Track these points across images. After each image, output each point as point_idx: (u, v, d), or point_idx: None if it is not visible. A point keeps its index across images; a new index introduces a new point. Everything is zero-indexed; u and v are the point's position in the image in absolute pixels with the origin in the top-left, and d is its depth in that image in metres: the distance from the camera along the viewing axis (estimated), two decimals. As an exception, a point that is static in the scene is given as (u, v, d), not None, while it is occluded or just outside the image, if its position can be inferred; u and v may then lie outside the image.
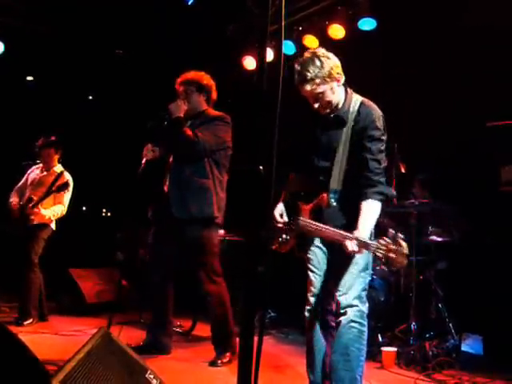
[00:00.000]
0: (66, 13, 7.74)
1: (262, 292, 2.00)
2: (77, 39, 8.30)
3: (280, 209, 3.88)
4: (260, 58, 2.01)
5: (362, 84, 3.85)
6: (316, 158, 3.80)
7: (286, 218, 3.85)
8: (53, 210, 6.57)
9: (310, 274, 3.84)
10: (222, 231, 6.56)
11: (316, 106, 3.65)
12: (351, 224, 3.46)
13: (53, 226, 6.70)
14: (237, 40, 7.80)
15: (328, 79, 3.56)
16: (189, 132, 4.85)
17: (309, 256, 3.85)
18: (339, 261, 3.63)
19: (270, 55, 7.55)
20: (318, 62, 3.54)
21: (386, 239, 3.13)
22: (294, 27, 7.37)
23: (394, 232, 3.15)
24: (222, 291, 5.03)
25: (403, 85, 6.19)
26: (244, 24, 7.73)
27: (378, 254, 3.16)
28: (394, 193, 3.57)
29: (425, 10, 6.15)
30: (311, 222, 3.63)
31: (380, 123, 3.62)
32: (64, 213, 6.71)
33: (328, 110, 3.70)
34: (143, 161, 5.16)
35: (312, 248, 3.83)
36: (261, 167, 1.91)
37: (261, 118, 1.92)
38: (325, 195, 3.66)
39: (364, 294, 3.66)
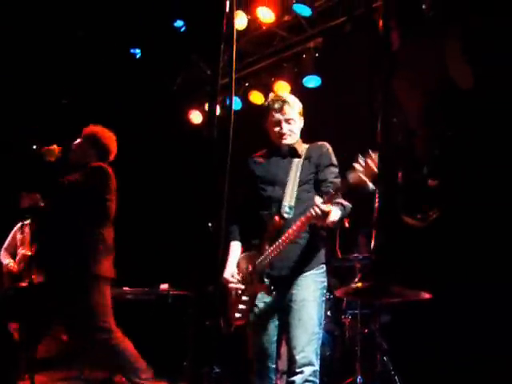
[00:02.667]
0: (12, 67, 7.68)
1: (210, 348, 1.97)
2: (20, 92, 8.22)
3: (230, 270, 3.85)
4: (210, 110, 2.03)
5: (306, 141, 4.04)
6: (268, 188, 3.85)
7: (237, 277, 3.82)
8: None
9: (257, 333, 3.80)
10: (165, 285, 6.47)
11: (282, 130, 3.88)
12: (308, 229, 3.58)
13: None
14: (183, 94, 7.88)
15: (298, 112, 3.96)
16: (61, 179, 4.73)
17: (255, 316, 3.81)
18: (294, 319, 3.61)
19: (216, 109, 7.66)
20: (294, 98, 4.00)
21: (357, 164, 3.22)
22: (240, 83, 7.51)
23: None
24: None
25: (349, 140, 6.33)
26: (190, 78, 7.84)
27: (360, 176, 3.20)
28: (350, 205, 3.65)
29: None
30: (267, 250, 3.66)
31: (332, 153, 3.85)
32: None
33: (286, 140, 3.89)
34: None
35: (259, 308, 3.79)
36: (209, 223, 1.90)
37: (210, 172, 1.93)
38: (276, 217, 3.69)
39: (319, 351, 3.65)
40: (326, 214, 3.36)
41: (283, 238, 3.57)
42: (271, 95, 4.11)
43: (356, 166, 3.22)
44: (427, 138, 1.48)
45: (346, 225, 5.80)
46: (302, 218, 3.47)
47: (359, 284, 5.17)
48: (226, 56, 2.14)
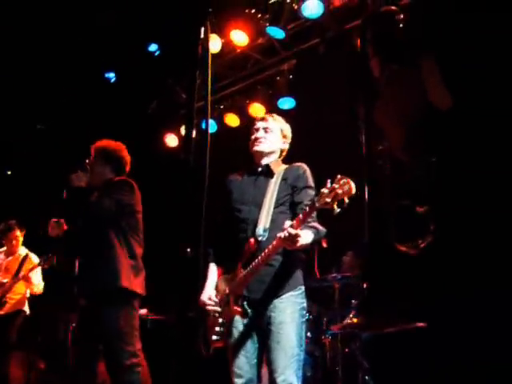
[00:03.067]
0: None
1: (191, 370, 1.95)
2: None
3: (207, 293, 3.83)
4: (187, 134, 2.03)
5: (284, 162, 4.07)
6: (243, 209, 3.85)
7: (215, 299, 3.80)
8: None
9: (237, 356, 3.77)
10: (144, 310, 6.41)
11: (257, 134, 3.94)
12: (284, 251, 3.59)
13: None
14: (158, 117, 7.89)
15: (280, 129, 4.01)
16: (90, 202, 4.67)
17: (235, 338, 3.78)
18: (273, 341, 3.59)
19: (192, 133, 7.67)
20: (281, 119, 4.08)
21: (324, 189, 3.23)
22: (215, 106, 7.54)
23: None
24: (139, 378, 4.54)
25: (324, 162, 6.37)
26: (165, 102, 7.86)
27: (327, 200, 3.21)
28: (325, 230, 3.67)
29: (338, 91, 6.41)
30: (242, 273, 3.65)
31: (309, 175, 3.85)
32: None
33: (259, 147, 3.93)
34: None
35: (239, 330, 3.77)
36: (188, 249, 1.89)
37: (188, 196, 1.93)
38: (251, 240, 3.68)
39: (300, 372, 3.60)
40: (294, 237, 3.36)
41: (256, 261, 3.57)
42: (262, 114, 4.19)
43: (323, 190, 3.27)
44: (411, 165, 1.50)
45: (324, 245, 5.82)
46: (274, 242, 3.48)
47: (354, 320, 5.22)
48: (201, 79, 2.15)
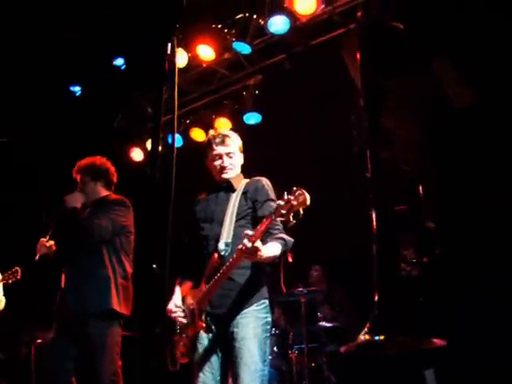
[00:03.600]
0: None
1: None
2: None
3: (174, 302, 3.82)
4: (153, 148, 2.02)
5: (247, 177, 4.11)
6: (206, 226, 3.87)
7: (182, 307, 3.81)
8: None
9: (202, 372, 3.73)
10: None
11: (223, 163, 3.95)
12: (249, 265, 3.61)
13: None
14: (124, 131, 7.84)
15: (239, 148, 4.05)
16: (85, 221, 4.66)
17: (200, 354, 3.75)
18: (236, 357, 3.57)
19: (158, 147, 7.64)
20: (234, 134, 4.10)
21: (280, 201, 3.27)
22: (181, 120, 7.53)
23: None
24: None
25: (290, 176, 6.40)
26: (131, 115, 7.82)
27: (282, 212, 3.25)
28: (292, 240, 3.70)
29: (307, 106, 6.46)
30: (205, 288, 3.64)
31: (269, 188, 3.90)
32: None
33: (227, 174, 3.94)
34: (37, 256, 4.83)
35: (204, 345, 3.74)
36: (154, 265, 1.88)
37: (153, 212, 1.91)
38: (215, 255, 3.69)
39: None
40: (252, 250, 3.37)
41: (218, 275, 3.57)
42: (212, 131, 4.17)
43: (279, 202, 3.30)
44: (429, 182, 1.51)
45: (290, 260, 5.82)
46: (233, 256, 3.49)
47: (367, 336, 5.20)
48: (167, 94, 2.14)
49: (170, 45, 2.09)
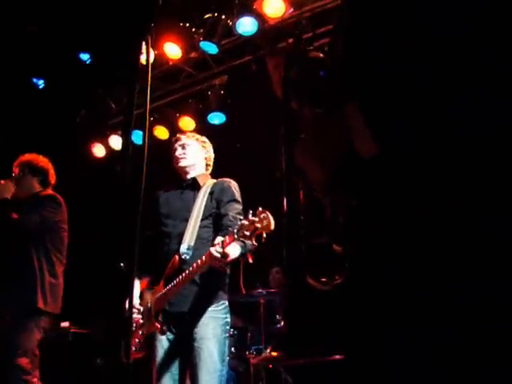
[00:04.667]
0: None
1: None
2: None
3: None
4: (124, 145, 2.01)
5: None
6: (169, 223, 3.86)
7: (138, 306, 3.79)
8: None
9: (160, 372, 3.71)
10: (66, 323, 6.26)
11: (176, 153, 4.01)
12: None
13: None
14: (86, 127, 7.76)
15: (196, 141, 4.09)
16: (13, 215, 4.56)
17: (159, 353, 3.74)
18: (195, 357, 3.58)
19: (119, 144, 7.59)
20: (198, 136, 4.17)
21: (245, 220, 3.30)
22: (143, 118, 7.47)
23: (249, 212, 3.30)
24: None
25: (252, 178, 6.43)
26: (94, 111, 7.75)
27: (246, 234, 3.26)
28: (251, 243, 3.71)
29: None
30: (164, 289, 3.64)
31: (235, 190, 3.93)
32: None
33: (182, 163, 3.98)
34: None
35: (163, 345, 3.73)
36: (121, 264, 1.86)
37: (123, 210, 1.90)
38: (176, 257, 3.69)
39: None
40: (224, 256, 3.39)
41: (180, 278, 3.58)
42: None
43: (243, 221, 3.33)
44: (331, 205, 1.53)
45: (250, 260, 5.84)
46: (199, 262, 3.49)
47: (273, 353, 5.26)
48: (136, 91, 2.13)
49: (144, 43, 2.08)
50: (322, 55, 1.91)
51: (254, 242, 3.33)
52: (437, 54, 1.35)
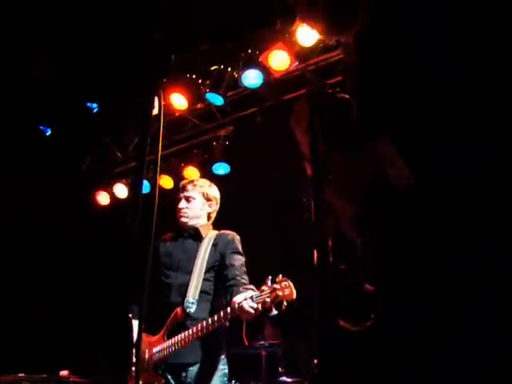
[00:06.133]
0: None
1: None
2: None
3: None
4: (134, 194, 2.02)
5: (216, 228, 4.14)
6: (171, 274, 3.83)
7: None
8: None
9: None
10: (65, 372, 6.17)
11: (179, 205, 3.98)
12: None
13: None
14: (91, 175, 7.80)
15: (202, 194, 4.04)
16: None
17: None
18: None
19: (123, 192, 7.63)
20: (207, 182, 4.14)
21: (265, 286, 3.18)
22: (151, 167, 7.51)
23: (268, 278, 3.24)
24: None
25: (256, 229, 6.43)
26: (99, 159, 7.81)
27: (266, 300, 3.21)
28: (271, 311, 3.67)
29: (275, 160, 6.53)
30: (166, 342, 3.59)
31: (238, 242, 3.92)
32: None
33: (184, 218, 3.95)
34: None
35: None
36: (130, 315, 1.86)
37: (131, 259, 1.90)
38: (179, 309, 3.64)
39: None
40: (256, 310, 3.36)
41: (187, 333, 3.53)
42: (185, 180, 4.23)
43: (264, 287, 3.30)
44: (362, 243, 1.54)
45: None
46: (215, 317, 3.45)
47: None
48: (139, 139, 2.16)
49: (156, 97, 2.12)
50: (348, 96, 1.94)
51: (275, 311, 3.28)
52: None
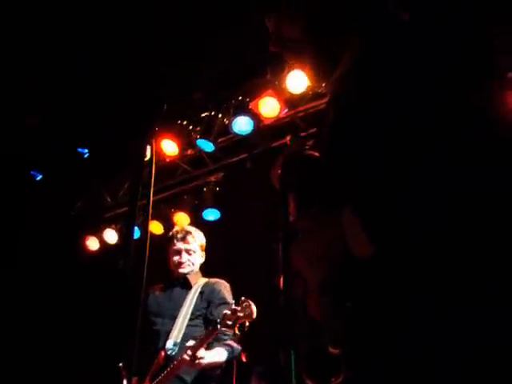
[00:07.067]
0: None
1: None
2: None
3: None
4: (126, 240, 2.03)
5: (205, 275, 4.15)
6: (157, 321, 3.84)
7: None
8: None
9: None
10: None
11: (181, 259, 4.03)
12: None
13: None
14: (81, 220, 7.78)
15: (200, 246, 4.12)
16: None
17: None
18: None
19: (113, 237, 7.60)
20: (199, 231, 4.20)
21: (227, 310, 3.35)
22: (140, 212, 7.50)
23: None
24: None
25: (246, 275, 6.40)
26: (89, 204, 7.80)
27: (228, 323, 3.31)
28: (240, 348, 3.67)
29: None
30: None
31: (227, 291, 3.93)
32: None
33: (184, 269, 3.99)
34: None
35: None
36: (120, 364, 1.85)
37: (122, 306, 1.88)
38: (162, 353, 3.64)
39: None
40: (192, 362, 3.38)
41: (164, 374, 3.55)
42: (177, 227, 4.22)
43: (225, 311, 3.35)
44: (327, 308, 1.55)
45: (244, 359, 5.74)
46: (175, 362, 3.49)
47: None
48: (129, 185, 2.18)
49: (148, 146, 2.14)
50: (317, 154, 1.96)
51: (237, 331, 3.33)
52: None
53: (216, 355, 3.53)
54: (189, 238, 4.06)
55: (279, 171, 1.92)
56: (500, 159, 1.33)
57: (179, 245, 4.05)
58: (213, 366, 3.57)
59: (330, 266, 1.48)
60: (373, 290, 1.42)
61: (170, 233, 4.25)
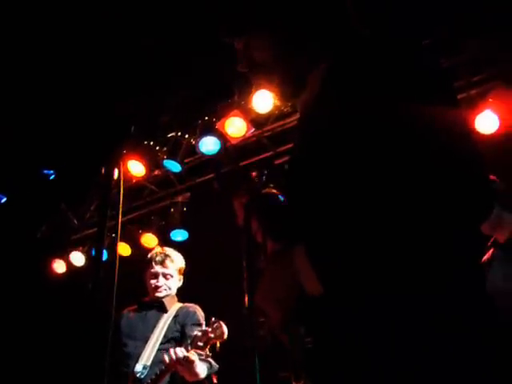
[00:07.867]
0: None
1: None
2: None
3: None
4: (96, 263, 2.02)
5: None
6: (129, 343, 3.81)
7: None
8: None
9: None
10: None
11: (158, 283, 4.00)
12: None
13: None
14: (47, 243, 7.69)
15: (178, 270, 4.11)
16: None
17: None
18: None
19: (80, 260, 7.51)
20: (178, 254, 4.20)
21: (197, 331, 3.36)
22: (107, 234, 7.44)
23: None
24: None
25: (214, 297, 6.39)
26: (55, 226, 7.71)
27: (199, 344, 3.31)
28: (217, 365, 3.67)
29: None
30: None
31: (201, 315, 3.95)
32: None
33: (161, 293, 3.97)
34: None
35: None
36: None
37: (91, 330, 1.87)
38: (131, 376, 3.62)
39: None
40: (188, 361, 3.37)
41: None
42: (157, 249, 4.20)
43: (195, 333, 3.38)
44: (290, 344, 1.58)
45: (215, 381, 5.71)
46: (162, 367, 3.46)
47: None
48: (96, 207, 2.17)
49: (115, 169, 2.15)
50: (274, 191, 1.98)
51: (208, 353, 3.33)
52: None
53: (200, 367, 3.52)
54: (167, 261, 4.04)
55: (242, 214, 1.94)
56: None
57: (157, 268, 4.02)
58: (194, 378, 3.55)
59: (289, 304, 1.51)
60: (325, 326, 1.45)
61: (149, 254, 4.22)
